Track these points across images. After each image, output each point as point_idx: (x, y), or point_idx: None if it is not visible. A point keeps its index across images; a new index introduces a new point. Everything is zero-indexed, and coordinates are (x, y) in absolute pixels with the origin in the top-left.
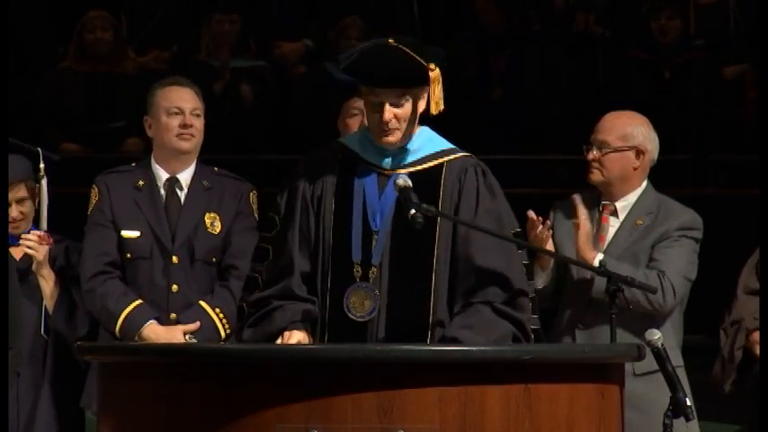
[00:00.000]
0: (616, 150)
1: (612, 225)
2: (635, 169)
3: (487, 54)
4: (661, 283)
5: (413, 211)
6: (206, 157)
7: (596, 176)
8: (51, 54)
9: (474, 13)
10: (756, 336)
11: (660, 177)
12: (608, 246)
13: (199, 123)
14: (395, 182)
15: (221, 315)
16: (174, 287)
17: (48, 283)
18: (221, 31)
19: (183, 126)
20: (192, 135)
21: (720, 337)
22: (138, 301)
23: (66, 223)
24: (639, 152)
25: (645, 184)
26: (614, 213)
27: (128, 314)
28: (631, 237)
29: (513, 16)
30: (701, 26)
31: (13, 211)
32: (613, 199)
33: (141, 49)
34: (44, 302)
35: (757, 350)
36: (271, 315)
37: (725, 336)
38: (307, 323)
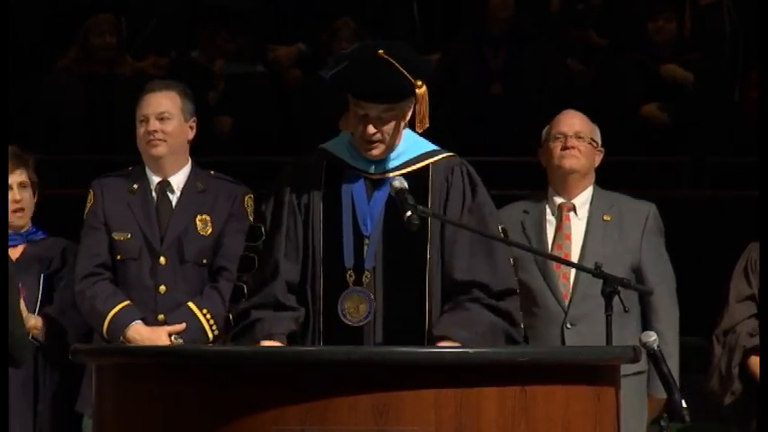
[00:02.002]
0: (591, 142)
1: (574, 223)
2: (595, 167)
3: (485, 52)
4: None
5: (409, 213)
6: (205, 160)
7: (575, 162)
8: (48, 57)
9: (474, 13)
10: (755, 360)
11: (656, 179)
12: (584, 243)
13: (169, 126)
14: (391, 184)
15: (208, 316)
16: (162, 288)
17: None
18: (225, 48)
19: (147, 133)
20: (161, 140)
21: (713, 345)
22: (126, 302)
23: (64, 225)
24: (599, 150)
25: (593, 183)
26: (572, 210)
27: (114, 315)
28: (605, 233)
29: (520, 15)
30: (696, 29)
31: (16, 194)
32: (570, 196)
33: (139, 54)
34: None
35: (757, 374)
36: (252, 328)
37: (717, 344)
38: (284, 336)
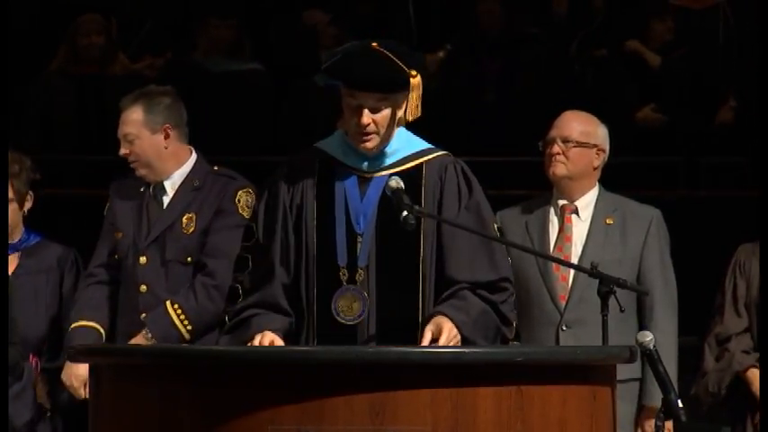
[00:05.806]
0: (579, 145)
1: (576, 225)
2: (594, 168)
3: (481, 57)
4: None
5: (405, 213)
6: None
7: (561, 170)
8: (40, 58)
9: (471, 17)
10: (752, 373)
11: (653, 179)
12: (585, 247)
13: (137, 147)
14: (387, 183)
15: (179, 311)
16: (143, 287)
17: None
18: (218, 37)
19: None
20: (134, 161)
21: (705, 351)
22: (83, 322)
23: (57, 225)
24: (600, 151)
25: (598, 184)
26: (575, 212)
27: (72, 329)
28: (607, 236)
29: (512, 18)
30: (689, 29)
31: None
32: (571, 198)
33: (135, 56)
34: None
35: (756, 389)
36: (247, 322)
37: (710, 353)
38: (279, 331)
